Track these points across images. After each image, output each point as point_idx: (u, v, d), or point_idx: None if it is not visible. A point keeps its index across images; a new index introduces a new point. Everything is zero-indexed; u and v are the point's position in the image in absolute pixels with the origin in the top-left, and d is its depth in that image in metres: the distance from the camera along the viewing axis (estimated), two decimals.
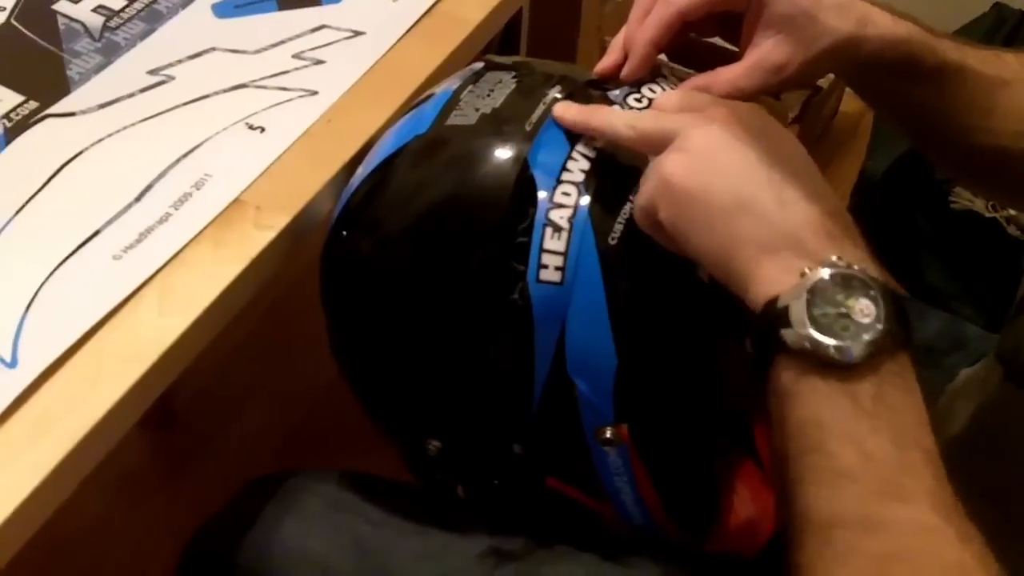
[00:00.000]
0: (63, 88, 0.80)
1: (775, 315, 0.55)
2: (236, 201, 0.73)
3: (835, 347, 0.53)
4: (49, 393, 0.63)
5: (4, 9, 0.86)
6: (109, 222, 0.71)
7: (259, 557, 0.79)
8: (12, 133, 0.77)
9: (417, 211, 0.69)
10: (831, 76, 1.97)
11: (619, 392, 0.66)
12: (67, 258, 0.69)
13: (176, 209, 0.72)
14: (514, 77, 0.72)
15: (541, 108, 0.69)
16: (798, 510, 0.54)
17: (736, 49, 0.73)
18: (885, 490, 0.52)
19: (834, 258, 0.55)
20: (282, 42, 0.85)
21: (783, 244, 0.57)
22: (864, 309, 0.54)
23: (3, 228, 0.71)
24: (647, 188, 0.61)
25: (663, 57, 0.73)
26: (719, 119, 0.61)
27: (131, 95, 0.80)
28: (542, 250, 0.65)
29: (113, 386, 0.63)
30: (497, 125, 0.69)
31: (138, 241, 0.70)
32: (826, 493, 0.53)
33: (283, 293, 1.30)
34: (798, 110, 1.96)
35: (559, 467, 0.73)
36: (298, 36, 0.85)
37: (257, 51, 0.84)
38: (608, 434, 0.67)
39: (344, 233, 0.72)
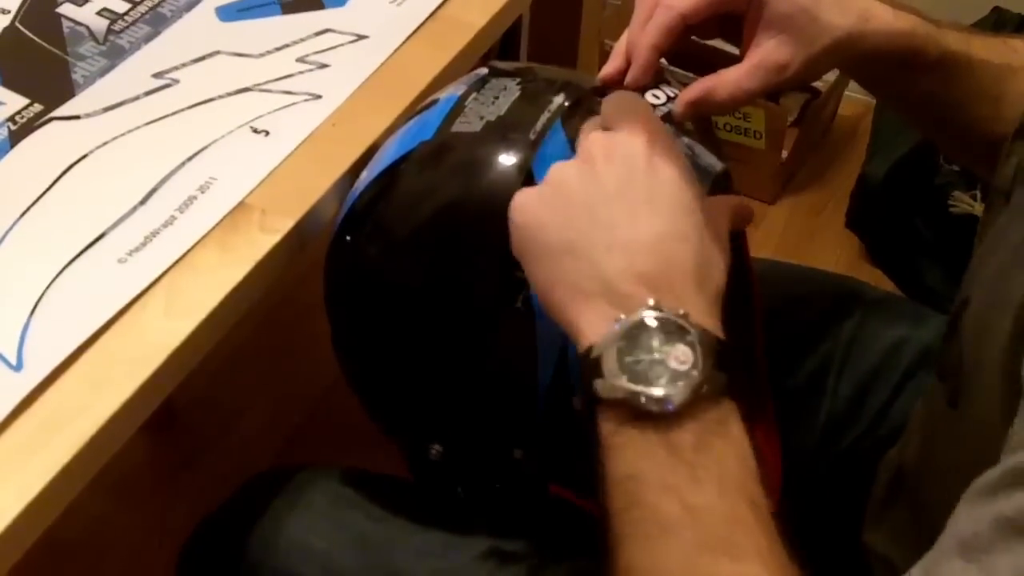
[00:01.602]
0: (68, 91, 0.80)
1: (589, 365, 0.53)
2: (241, 204, 0.73)
3: (648, 395, 0.51)
4: (55, 396, 0.63)
5: (8, 12, 0.86)
6: (114, 225, 0.71)
7: (262, 551, 0.79)
8: (17, 136, 0.77)
9: (421, 218, 0.69)
10: (830, 79, 1.98)
11: None
12: (72, 261, 0.69)
13: (181, 212, 0.72)
14: (518, 84, 0.72)
15: (545, 116, 0.69)
16: (621, 568, 0.52)
17: (737, 52, 0.73)
18: (712, 544, 0.50)
19: (650, 302, 0.53)
20: (286, 46, 0.85)
21: (598, 290, 0.55)
22: (680, 356, 0.52)
23: (8, 231, 0.71)
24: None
25: (664, 61, 0.73)
26: (593, 153, 0.60)
27: (136, 98, 0.80)
28: None
29: (119, 389, 0.63)
30: (502, 133, 0.69)
31: (144, 244, 0.70)
32: (649, 548, 0.51)
33: (285, 295, 1.30)
34: (797, 113, 1.97)
35: (561, 473, 0.73)
36: (302, 40, 0.85)
37: (261, 55, 0.84)
38: None
39: (348, 238, 0.72)
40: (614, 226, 0.56)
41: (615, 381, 0.52)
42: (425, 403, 0.73)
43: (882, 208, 1.78)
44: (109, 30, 0.86)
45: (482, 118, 0.70)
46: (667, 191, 0.58)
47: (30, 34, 0.85)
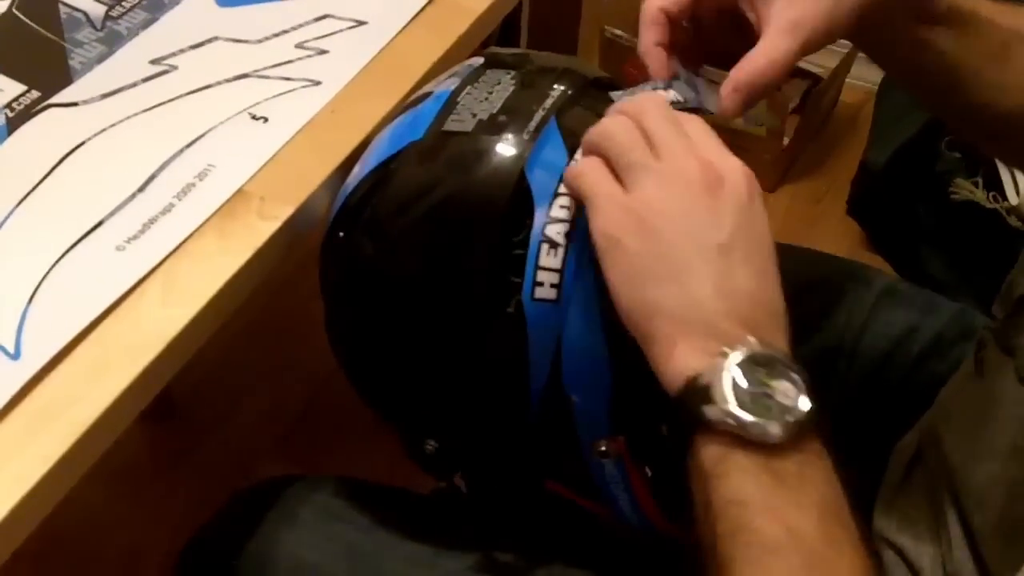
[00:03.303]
0: (65, 78, 0.80)
1: (696, 392, 0.55)
2: (240, 192, 0.73)
3: (759, 425, 0.53)
4: (53, 384, 0.62)
5: None
6: (112, 212, 0.71)
7: (253, 568, 0.79)
8: (14, 123, 0.76)
9: (413, 220, 0.67)
10: (831, 66, 1.97)
11: (614, 406, 0.65)
12: (70, 249, 0.69)
13: (180, 200, 0.72)
14: (513, 78, 0.70)
15: (540, 114, 0.67)
16: None
17: None
18: (815, 563, 0.53)
19: (752, 340, 0.55)
20: (285, 32, 0.84)
21: (700, 326, 0.56)
22: (786, 390, 0.54)
23: (5, 219, 0.70)
24: (593, 223, 0.60)
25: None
26: (691, 174, 0.59)
27: (133, 85, 0.80)
28: (537, 267, 0.63)
29: (117, 377, 0.63)
30: (494, 133, 0.67)
31: (142, 232, 0.70)
32: (757, 569, 0.53)
33: (283, 282, 1.30)
34: (798, 101, 1.96)
35: (556, 473, 0.73)
36: (301, 25, 0.85)
37: (260, 41, 0.84)
38: (604, 447, 0.67)
39: (341, 234, 0.71)
40: (724, 275, 0.57)
41: (726, 407, 0.54)
42: (418, 401, 0.72)
43: (883, 195, 1.77)
44: (107, 16, 0.85)
45: (474, 115, 0.68)
46: (765, 235, 0.60)
47: (27, 20, 0.84)
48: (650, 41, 0.71)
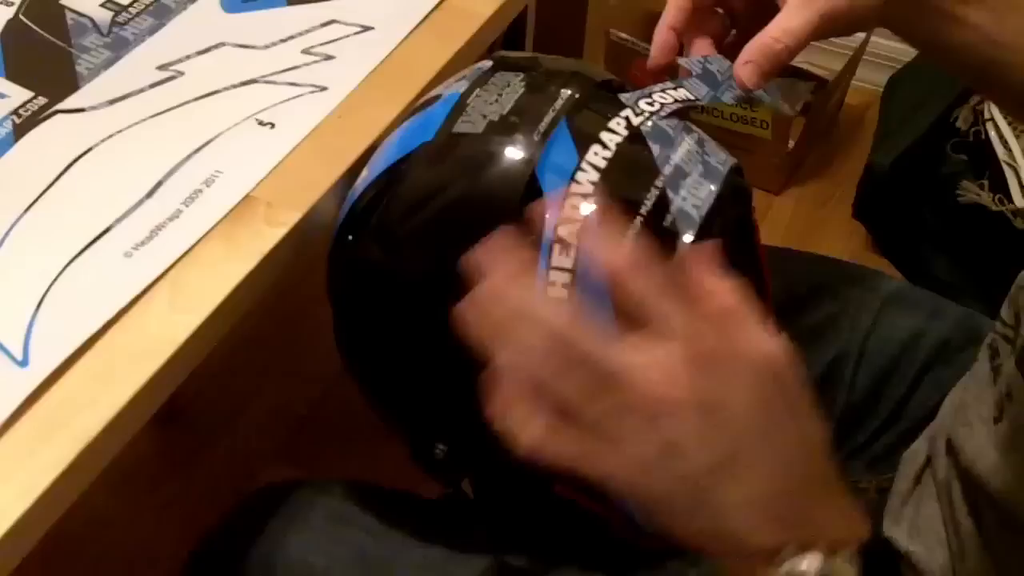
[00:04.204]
0: (72, 84, 0.80)
1: None
2: (247, 198, 0.73)
3: None
4: (61, 391, 0.62)
5: (12, 4, 0.85)
6: (120, 219, 0.71)
7: (260, 572, 0.78)
8: (21, 130, 0.76)
9: (424, 222, 0.68)
10: (836, 70, 1.96)
11: None
12: (78, 255, 0.69)
13: (187, 206, 0.72)
14: (522, 80, 0.70)
15: (551, 115, 0.67)
16: None
17: None
18: None
19: (788, 554, 0.51)
20: (291, 37, 0.84)
21: (745, 549, 0.53)
22: None
23: (13, 226, 0.70)
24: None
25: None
26: (706, 399, 0.51)
27: (140, 91, 0.80)
28: (550, 268, 0.63)
29: (125, 384, 0.63)
30: (505, 134, 0.67)
31: (149, 238, 0.70)
32: None
33: (289, 286, 1.30)
34: (803, 103, 1.96)
35: (566, 477, 0.73)
36: (307, 31, 0.85)
37: (266, 46, 0.84)
38: None
39: (350, 237, 0.71)
40: (739, 504, 0.52)
41: None
42: (428, 405, 0.72)
43: (889, 198, 1.77)
44: (113, 22, 0.85)
45: (485, 117, 0.68)
46: (794, 425, 0.55)
47: (34, 26, 0.84)
48: (666, 23, 0.71)
